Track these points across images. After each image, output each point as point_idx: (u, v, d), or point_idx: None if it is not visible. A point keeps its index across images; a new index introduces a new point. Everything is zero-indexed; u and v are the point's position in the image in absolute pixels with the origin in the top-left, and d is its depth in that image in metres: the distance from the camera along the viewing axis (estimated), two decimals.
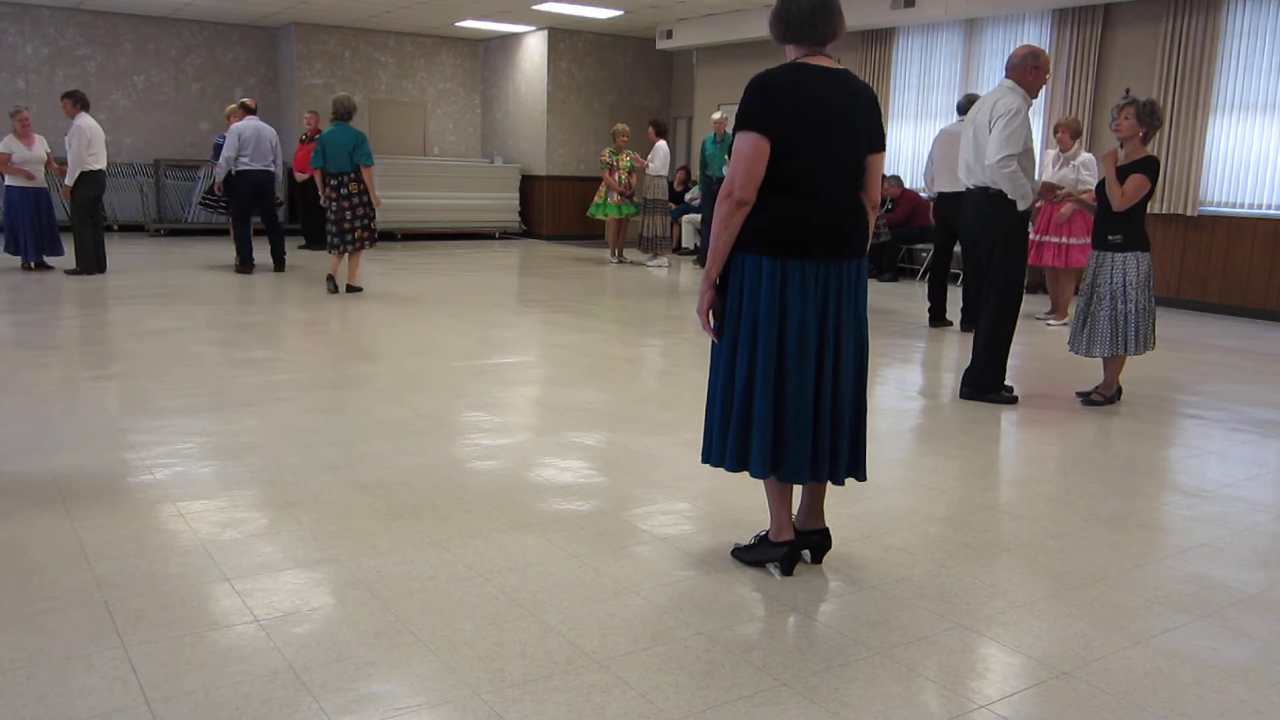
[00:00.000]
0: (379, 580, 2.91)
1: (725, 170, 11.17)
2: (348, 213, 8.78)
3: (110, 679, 2.32)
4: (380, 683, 2.34)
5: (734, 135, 2.85)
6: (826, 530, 3.13)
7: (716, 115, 11.74)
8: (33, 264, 9.95)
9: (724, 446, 2.97)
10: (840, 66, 2.91)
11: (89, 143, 9.55)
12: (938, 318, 8.27)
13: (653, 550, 3.22)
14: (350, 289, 9.02)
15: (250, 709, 2.21)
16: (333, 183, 8.76)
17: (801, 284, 2.84)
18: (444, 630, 2.61)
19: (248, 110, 10.32)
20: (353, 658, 2.45)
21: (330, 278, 8.99)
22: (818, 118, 2.81)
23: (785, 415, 2.87)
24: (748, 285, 2.87)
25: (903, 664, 2.52)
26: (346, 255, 8.95)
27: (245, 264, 10.35)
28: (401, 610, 2.72)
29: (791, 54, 2.92)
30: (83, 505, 3.46)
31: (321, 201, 8.95)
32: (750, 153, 2.78)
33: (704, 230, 11.99)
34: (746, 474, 3.02)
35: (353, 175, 8.75)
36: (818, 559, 3.14)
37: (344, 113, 8.79)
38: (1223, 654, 2.63)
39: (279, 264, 10.48)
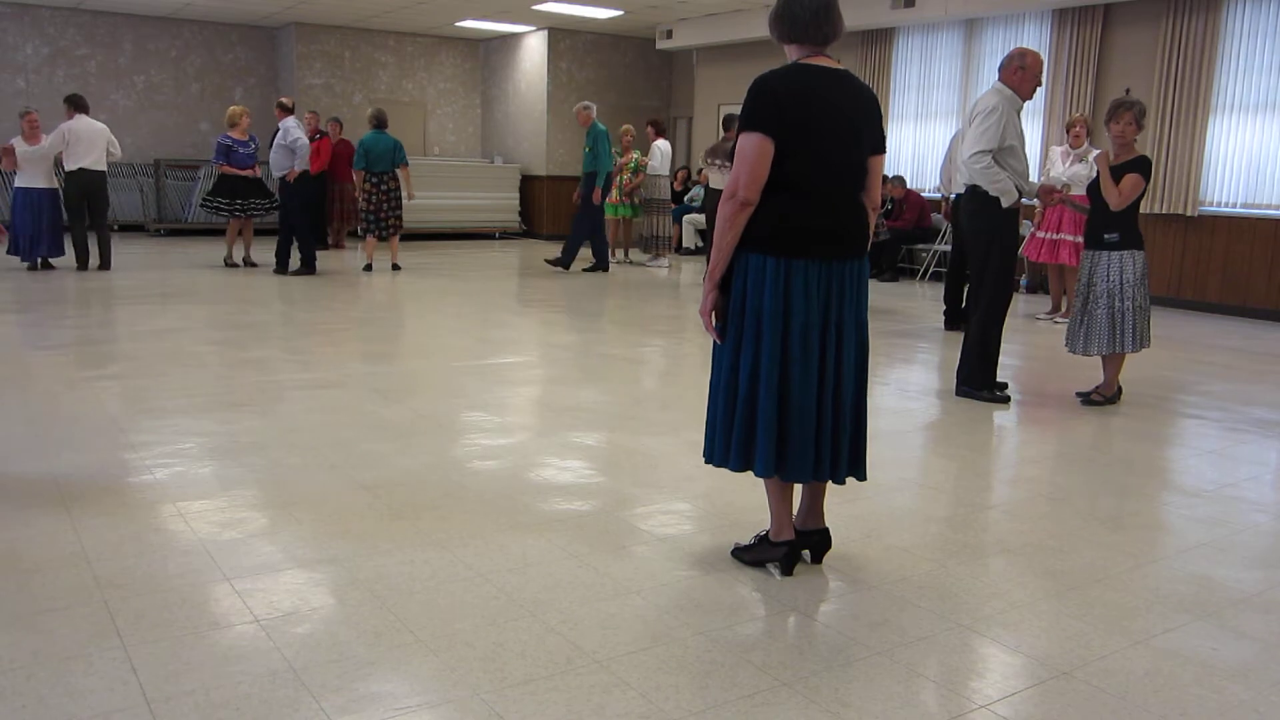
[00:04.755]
0: (379, 580, 2.91)
1: (590, 164, 10.89)
2: (384, 205, 10.56)
3: (110, 679, 2.32)
4: (380, 683, 2.34)
5: (737, 136, 2.85)
6: (826, 530, 3.13)
7: (579, 105, 11.35)
8: (37, 264, 10.02)
9: (728, 446, 2.97)
10: (841, 67, 2.91)
11: (67, 144, 9.70)
12: (953, 320, 8.00)
13: (653, 550, 3.22)
14: (395, 267, 10.81)
15: (250, 709, 2.21)
16: (373, 179, 10.47)
17: (805, 284, 2.84)
18: (444, 630, 2.61)
19: (286, 110, 10.41)
20: (353, 658, 2.45)
21: (369, 265, 10.72)
22: (821, 119, 2.82)
23: (789, 415, 2.88)
24: (751, 285, 2.87)
25: (903, 664, 2.52)
26: (378, 240, 10.65)
27: (295, 264, 10.32)
28: (401, 610, 2.72)
29: (793, 54, 2.92)
30: (83, 505, 3.46)
31: (356, 192, 10.79)
32: (754, 154, 2.78)
33: (574, 230, 11.37)
34: (747, 474, 3.02)
35: (391, 174, 10.51)
36: (818, 559, 3.14)
37: (383, 122, 10.57)
38: (1223, 654, 2.63)
39: (305, 265, 10.39)
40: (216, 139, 10.91)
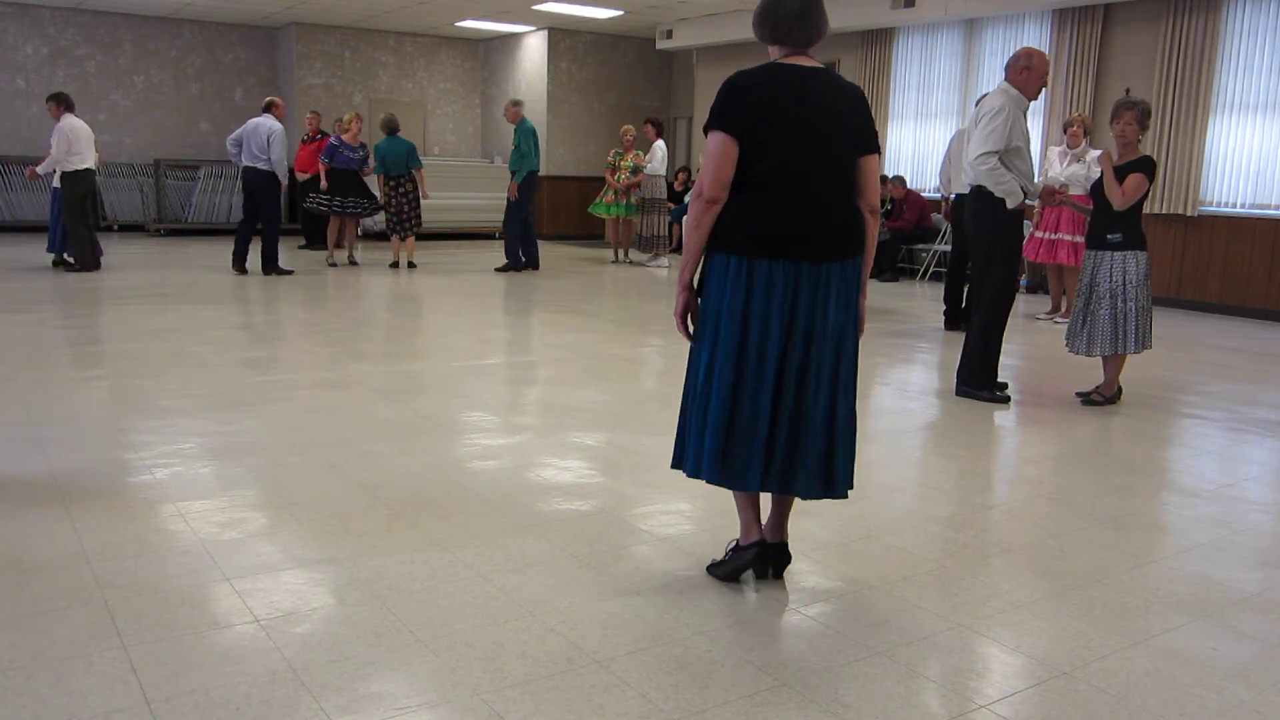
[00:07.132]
0: (379, 580, 2.91)
1: (515, 162, 10.89)
2: (405, 206, 11.04)
3: (110, 679, 2.32)
4: (380, 683, 2.34)
5: (706, 135, 2.82)
6: (785, 545, 3.01)
7: (509, 102, 11.42)
8: (57, 260, 10.20)
9: (682, 447, 2.93)
10: (819, 65, 2.85)
11: (69, 144, 9.74)
12: (953, 320, 8.02)
13: (653, 550, 3.22)
14: (410, 265, 11.19)
15: (250, 709, 2.21)
16: (391, 183, 11.00)
17: (768, 285, 2.75)
18: (444, 630, 2.61)
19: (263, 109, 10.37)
20: (353, 658, 2.46)
21: (395, 263, 11.22)
22: (792, 117, 2.74)
23: (738, 420, 2.79)
24: (714, 284, 2.82)
25: (903, 664, 2.52)
26: (402, 239, 11.11)
27: (236, 264, 10.19)
28: (401, 610, 2.72)
29: (774, 54, 2.87)
30: (83, 505, 3.46)
31: (380, 199, 11.32)
32: (718, 152, 2.74)
33: (507, 231, 11.32)
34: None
35: (408, 177, 11.00)
36: (778, 574, 3.02)
37: (394, 128, 11.01)
38: (1223, 654, 2.63)
39: (266, 266, 10.18)
40: (330, 139, 11.31)
